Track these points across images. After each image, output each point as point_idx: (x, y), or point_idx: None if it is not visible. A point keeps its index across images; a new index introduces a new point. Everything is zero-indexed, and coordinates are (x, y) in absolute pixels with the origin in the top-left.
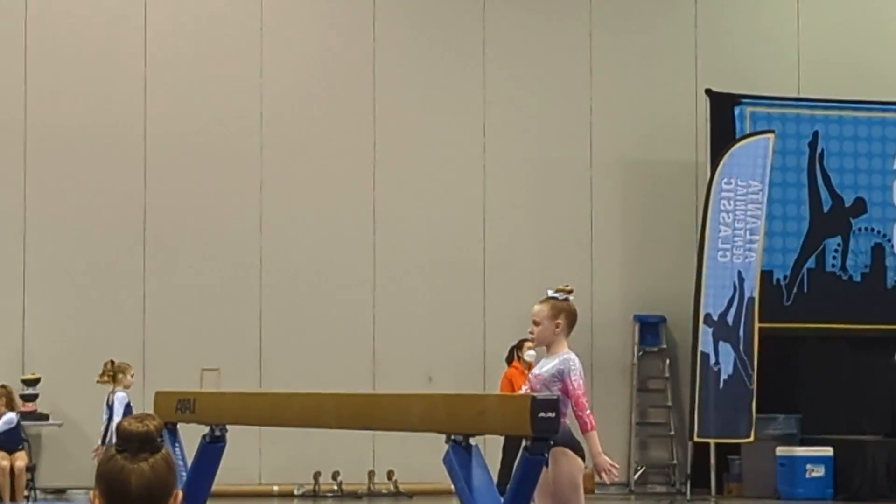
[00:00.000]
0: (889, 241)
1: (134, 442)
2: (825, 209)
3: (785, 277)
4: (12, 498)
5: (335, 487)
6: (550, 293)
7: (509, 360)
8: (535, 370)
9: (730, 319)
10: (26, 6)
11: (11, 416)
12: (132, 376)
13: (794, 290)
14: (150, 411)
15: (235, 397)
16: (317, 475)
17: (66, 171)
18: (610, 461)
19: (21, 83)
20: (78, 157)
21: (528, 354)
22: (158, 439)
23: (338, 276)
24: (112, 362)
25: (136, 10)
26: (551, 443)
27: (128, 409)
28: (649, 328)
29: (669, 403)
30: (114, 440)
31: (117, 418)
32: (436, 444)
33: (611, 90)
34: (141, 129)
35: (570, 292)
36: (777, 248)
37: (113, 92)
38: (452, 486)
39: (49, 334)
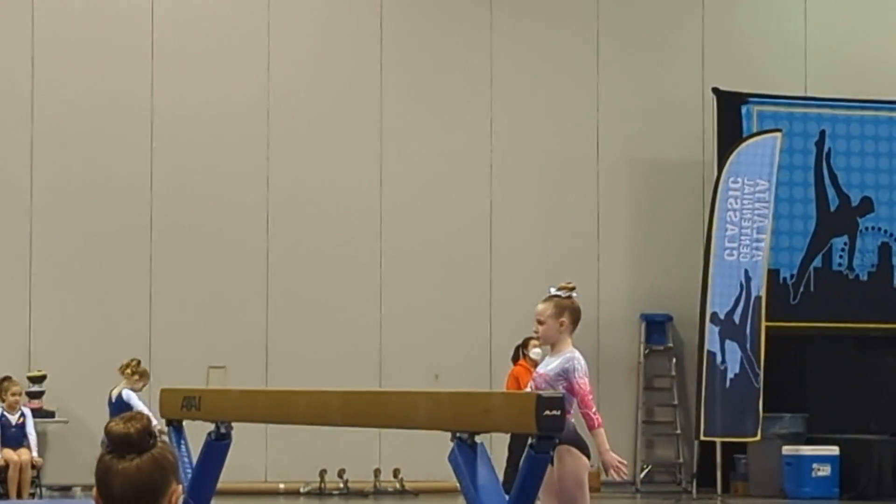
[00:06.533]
0: None
1: (118, 443)
2: (832, 208)
3: (792, 276)
4: (17, 495)
5: (341, 485)
6: (553, 291)
7: (515, 359)
8: (540, 368)
9: (736, 318)
10: None
11: (130, 393)
12: (142, 385)
13: (801, 289)
14: (157, 408)
15: (241, 395)
16: (322, 473)
17: (72, 166)
18: (618, 458)
19: (27, 76)
20: (84, 153)
21: (535, 352)
22: (144, 440)
23: (344, 274)
24: (139, 362)
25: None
26: (556, 441)
27: (126, 407)
28: (656, 327)
29: (676, 402)
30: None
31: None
32: (442, 442)
33: (618, 89)
34: (147, 125)
35: (572, 289)
36: (784, 247)
37: (119, 84)
38: (458, 485)
39: (55, 331)
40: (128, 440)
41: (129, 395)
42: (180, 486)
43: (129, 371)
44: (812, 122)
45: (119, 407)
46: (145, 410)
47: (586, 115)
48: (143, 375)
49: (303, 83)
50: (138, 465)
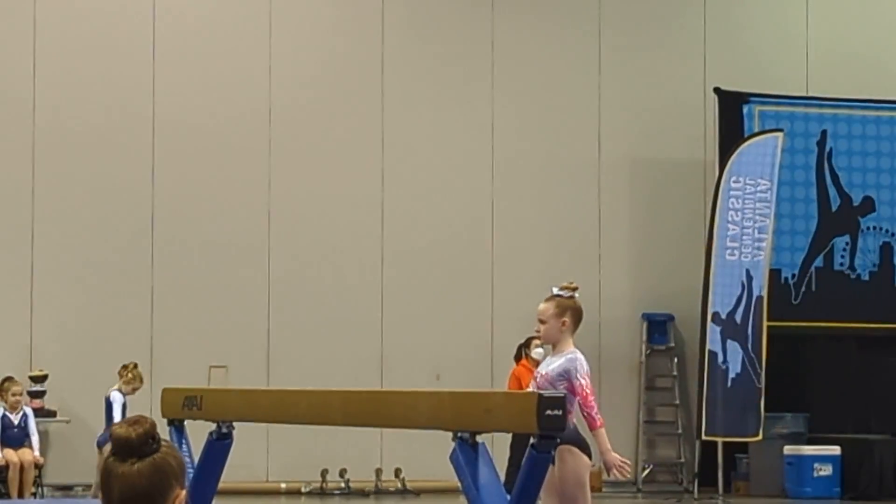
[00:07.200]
0: None
1: (119, 446)
2: (833, 208)
3: (793, 276)
4: (20, 494)
5: (342, 485)
6: (555, 291)
7: (517, 358)
8: (541, 368)
9: (738, 318)
10: (35, 0)
11: (116, 396)
12: (133, 389)
13: (803, 288)
14: (158, 408)
15: (242, 394)
16: (324, 473)
17: (74, 167)
18: (620, 458)
19: (29, 80)
20: (85, 153)
21: (536, 352)
22: (145, 444)
23: (346, 274)
24: (135, 365)
25: (144, 4)
26: (558, 441)
27: (111, 411)
28: (657, 326)
29: (677, 402)
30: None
31: (118, 418)
32: (443, 442)
33: (619, 88)
34: (149, 125)
35: (574, 289)
36: (785, 247)
37: (121, 87)
38: (459, 484)
39: (57, 331)
40: (128, 444)
41: (114, 398)
42: (184, 492)
43: (129, 375)
44: (813, 122)
45: (107, 408)
46: (117, 417)
47: (588, 114)
48: (136, 379)
49: (304, 86)
50: (139, 469)
